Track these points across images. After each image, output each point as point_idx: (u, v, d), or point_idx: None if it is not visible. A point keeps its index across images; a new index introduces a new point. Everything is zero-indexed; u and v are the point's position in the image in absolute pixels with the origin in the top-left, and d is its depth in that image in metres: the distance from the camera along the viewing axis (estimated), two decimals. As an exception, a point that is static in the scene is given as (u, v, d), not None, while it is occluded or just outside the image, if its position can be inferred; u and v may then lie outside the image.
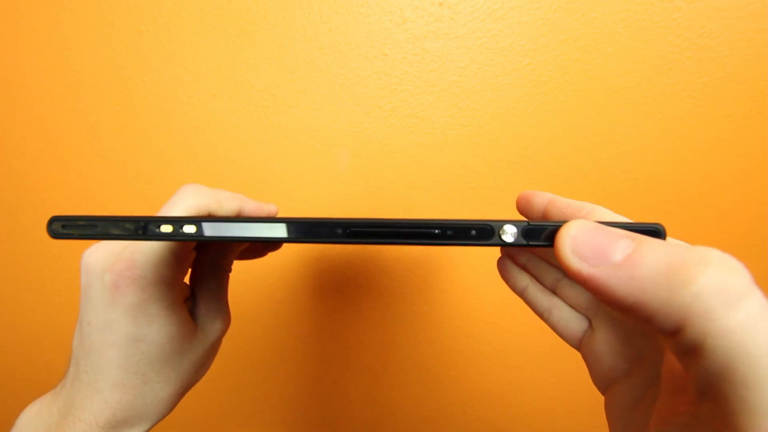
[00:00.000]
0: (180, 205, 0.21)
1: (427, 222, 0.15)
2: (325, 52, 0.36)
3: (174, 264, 0.21)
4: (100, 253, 0.21)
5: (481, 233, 0.15)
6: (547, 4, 0.35)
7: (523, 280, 0.23)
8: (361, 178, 0.39)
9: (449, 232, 0.15)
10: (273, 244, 0.28)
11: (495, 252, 0.23)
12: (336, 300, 0.42)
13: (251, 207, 0.25)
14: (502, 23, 0.35)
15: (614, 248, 0.12)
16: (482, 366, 0.44)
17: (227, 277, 0.26)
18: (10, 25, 0.37)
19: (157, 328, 0.21)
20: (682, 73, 0.36)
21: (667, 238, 0.14)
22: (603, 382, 0.20)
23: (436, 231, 0.15)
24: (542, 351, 0.42)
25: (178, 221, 0.15)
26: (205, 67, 0.37)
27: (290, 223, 0.15)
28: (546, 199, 0.19)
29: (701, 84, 0.36)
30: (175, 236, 0.15)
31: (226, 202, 0.23)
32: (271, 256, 0.41)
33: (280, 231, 0.15)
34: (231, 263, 0.26)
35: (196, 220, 0.15)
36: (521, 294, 0.23)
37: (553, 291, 0.22)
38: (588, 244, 0.13)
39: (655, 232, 0.14)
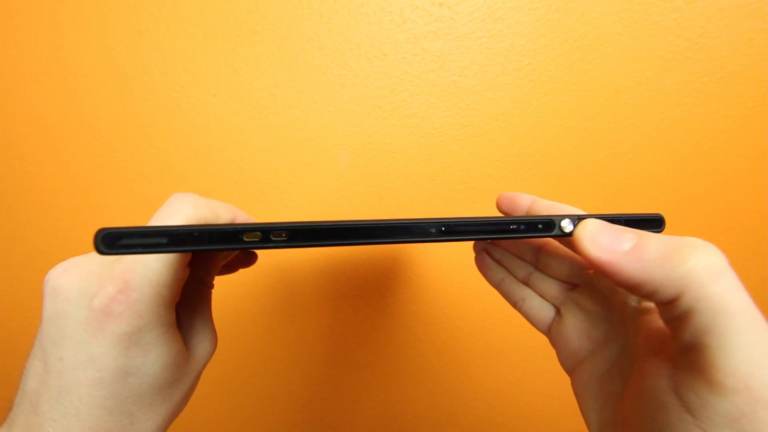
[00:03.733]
0: (177, 217, 0.19)
1: (505, 219, 0.17)
2: (325, 52, 0.36)
3: (172, 283, 0.19)
4: (75, 275, 0.18)
5: (546, 226, 0.17)
6: (547, 4, 0.35)
7: (499, 273, 0.26)
8: (361, 178, 0.39)
9: (522, 227, 0.17)
10: (249, 259, 0.28)
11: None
12: (336, 300, 0.42)
13: (243, 217, 0.23)
14: (502, 23, 0.35)
15: (622, 240, 0.15)
16: (482, 366, 0.44)
17: (210, 295, 0.24)
18: (10, 25, 0.37)
19: (153, 357, 0.19)
20: (682, 73, 0.36)
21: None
22: (570, 361, 0.22)
23: (512, 226, 0.17)
24: (542, 351, 0.42)
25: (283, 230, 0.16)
26: (205, 67, 0.37)
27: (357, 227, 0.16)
28: (529, 200, 0.21)
29: (701, 84, 0.36)
30: (251, 244, 0.15)
31: (222, 213, 0.21)
32: (272, 256, 0.41)
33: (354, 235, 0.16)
34: (213, 279, 0.25)
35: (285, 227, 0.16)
36: (497, 285, 0.26)
37: (525, 283, 0.25)
38: (602, 237, 0.16)
39: (658, 221, 0.18)
